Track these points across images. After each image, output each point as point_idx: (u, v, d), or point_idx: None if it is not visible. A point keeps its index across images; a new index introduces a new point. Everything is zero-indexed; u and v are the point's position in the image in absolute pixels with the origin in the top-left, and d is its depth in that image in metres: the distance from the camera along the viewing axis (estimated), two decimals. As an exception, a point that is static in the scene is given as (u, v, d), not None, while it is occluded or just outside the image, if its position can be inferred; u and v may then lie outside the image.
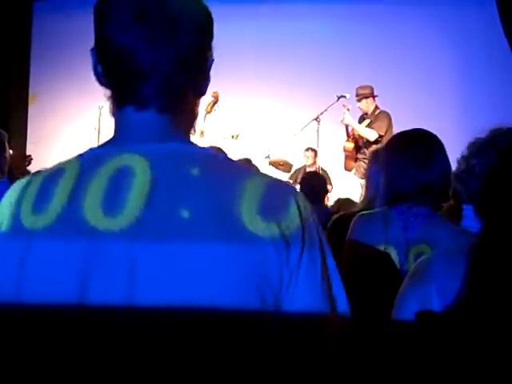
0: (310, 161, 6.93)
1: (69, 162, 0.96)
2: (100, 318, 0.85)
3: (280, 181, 0.94)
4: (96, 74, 0.97)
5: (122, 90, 0.95)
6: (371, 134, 5.96)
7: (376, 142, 5.87)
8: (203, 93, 1.00)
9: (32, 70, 8.25)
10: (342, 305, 0.92)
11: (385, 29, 7.16)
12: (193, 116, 1.01)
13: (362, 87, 6.14)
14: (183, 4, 0.95)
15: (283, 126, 7.36)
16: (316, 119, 6.17)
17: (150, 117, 0.94)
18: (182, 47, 0.93)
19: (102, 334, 0.85)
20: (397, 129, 5.84)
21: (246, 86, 7.41)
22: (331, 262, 0.93)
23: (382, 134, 5.90)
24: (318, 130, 6.20)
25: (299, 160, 7.16)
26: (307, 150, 6.95)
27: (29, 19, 8.20)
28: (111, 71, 0.95)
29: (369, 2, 7.28)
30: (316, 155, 6.74)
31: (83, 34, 7.35)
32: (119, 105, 0.96)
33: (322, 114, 6.16)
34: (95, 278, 0.85)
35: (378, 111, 6.16)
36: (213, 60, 0.99)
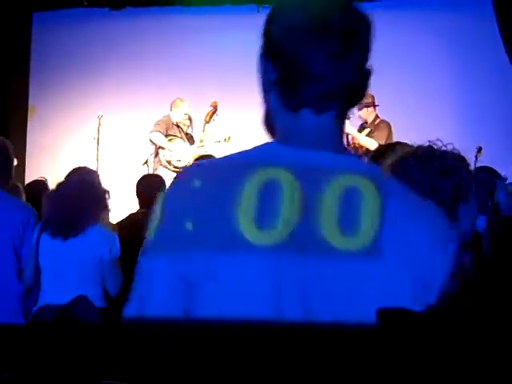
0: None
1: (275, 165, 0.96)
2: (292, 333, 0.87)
3: None
4: (264, 79, 1.01)
5: (299, 94, 0.98)
6: (371, 144, 5.97)
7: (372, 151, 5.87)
8: (360, 101, 1.06)
9: (31, 81, 8.25)
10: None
11: (382, 36, 7.15)
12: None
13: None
14: (355, 20, 1.00)
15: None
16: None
17: (326, 123, 0.99)
18: (361, 57, 1.00)
19: (297, 349, 0.87)
20: (396, 137, 5.85)
21: (244, 95, 7.42)
22: None
23: (381, 143, 5.91)
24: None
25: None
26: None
27: (28, 30, 8.21)
28: (287, 76, 0.98)
29: (366, 9, 7.28)
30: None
31: (83, 46, 7.33)
32: (292, 109, 0.99)
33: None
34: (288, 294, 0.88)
35: (378, 120, 6.17)
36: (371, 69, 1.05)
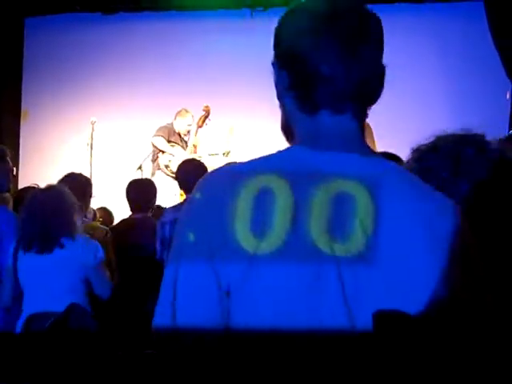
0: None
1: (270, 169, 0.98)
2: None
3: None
4: (278, 87, 1.02)
5: (313, 96, 0.99)
6: None
7: None
8: (377, 99, 1.05)
9: (24, 86, 8.23)
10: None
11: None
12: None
13: None
14: (366, 21, 1.00)
15: (276, 142, 7.36)
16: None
17: (344, 123, 1.00)
18: (372, 55, 1.00)
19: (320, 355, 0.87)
20: (395, 139, 5.86)
21: (238, 99, 7.42)
22: None
23: None
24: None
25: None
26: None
27: (21, 35, 8.20)
28: (300, 80, 0.99)
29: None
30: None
31: (75, 51, 7.32)
32: (309, 112, 1.00)
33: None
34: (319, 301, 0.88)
35: None
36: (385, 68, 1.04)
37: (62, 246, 3.09)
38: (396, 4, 7.25)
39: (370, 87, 1.01)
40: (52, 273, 3.10)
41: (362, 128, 1.02)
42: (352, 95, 0.98)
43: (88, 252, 3.15)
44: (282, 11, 1.01)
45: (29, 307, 3.11)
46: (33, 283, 3.13)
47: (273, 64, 1.03)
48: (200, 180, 1.00)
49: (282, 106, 1.05)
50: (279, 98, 1.04)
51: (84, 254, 3.14)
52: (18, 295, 3.17)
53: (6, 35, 7.82)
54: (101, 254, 3.20)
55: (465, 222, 0.95)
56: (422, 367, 0.87)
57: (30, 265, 3.12)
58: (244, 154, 6.93)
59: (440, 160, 1.40)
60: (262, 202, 0.92)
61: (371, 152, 1.02)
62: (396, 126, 6.41)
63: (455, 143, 1.43)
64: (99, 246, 3.21)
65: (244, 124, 7.31)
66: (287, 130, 1.06)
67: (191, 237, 0.93)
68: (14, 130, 8.14)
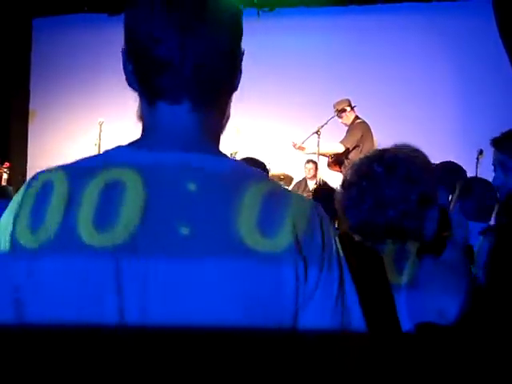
0: (311, 173, 6.94)
1: (56, 172, 0.94)
2: (110, 335, 0.84)
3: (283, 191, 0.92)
4: (126, 74, 0.95)
5: (151, 84, 0.91)
6: (338, 148, 6.15)
7: (347, 153, 6.07)
8: (235, 88, 0.97)
9: (32, 86, 8.27)
10: (357, 321, 0.89)
11: (383, 41, 7.18)
12: (225, 117, 0.98)
13: (337, 103, 6.25)
14: (212, 2, 0.91)
15: (283, 141, 7.38)
16: (316, 132, 6.19)
17: (182, 115, 0.92)
18: (213, 35, 0.90)
19: (113, 351, 0.84)
20: (397, 139, 5.84)
21: (244, 100, 7.41)
22: (348, 277, 0.90)
23: (349, 146, 6.09)
24: (318, 144, 6.21)
25: (300, 173, 7.16)
26: (308, 162, 6.96)
27: (29, 35, 8.23)
28: (139, 65, 0.92)
29: (366, 14, 7.30)
30: (317, 168, 6.75)
31: (83, 51, 7.36)
32: (148, 102, 0.93)
33: (322, 127, 6.18)
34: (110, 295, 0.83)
35: (355, 122, 6.24)
36: (243, 53, 0.96)
37: None
38: (404, 3, 7.24)
39: (215, 73, 0.91)
40: None
41: (206, 121, 0.93)
42: (190, 82, 0.89)
43: None
44: (288, 11, 0.99)
45: None
46: None
47: (122, 50, 0.94)
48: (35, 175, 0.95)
49: (136, 92, 0.97)
50: (129, 83, 0.96)
51: None
52: None
53: (15, 36, 7.85)
54: None
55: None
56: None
57: None
58: (251, 153, 6.93)
59: (352, 177, 1.42)
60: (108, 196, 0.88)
61: (210, 150, 0.93)
62: (404, 125, 6.39)
63: (368, 160, 1.44)
64: None
65: (250, 124, 7.31)
66: (139, 117, 0.99)
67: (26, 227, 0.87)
68: (22, 131, 8.18)
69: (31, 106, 8.28)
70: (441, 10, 7.17)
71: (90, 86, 7.76)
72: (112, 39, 7.37)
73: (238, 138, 6.85)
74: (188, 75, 0.89)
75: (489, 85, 6.83)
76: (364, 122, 6.21)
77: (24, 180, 7.55)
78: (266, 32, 7.51)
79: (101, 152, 1.00)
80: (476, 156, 5.69)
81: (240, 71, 0.96)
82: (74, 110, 7.82)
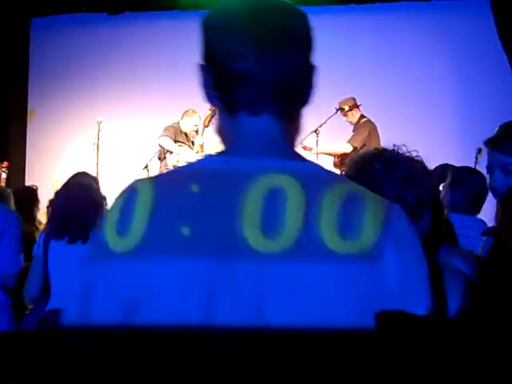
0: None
1: (184, 178, 0.95)
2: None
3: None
4: (205, 89, 0.99)
5: (232, 98, 0.95)
6: (346, 148, 6.14)
7: (355, 152, 6.06)
8: (309, 102, 1.00)
9: (30, 85, 8.26)
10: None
11: (382, 40, 7.17)
12: (298, 129, 1.01)
13: (342, 102, 6.23)
14: (289, 20, 0.97)
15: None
16: (315, 131, 6.19)
17: (263, 127, 0.95)
18: (295, 53, 0.96)
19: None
20: (397, 139, 5.85)
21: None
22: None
23: (356, 145, 6.08)
24: (317, 143, 6.21)
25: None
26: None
27: (27, 35, 8.22)
28: (220, 80, 0.96)
29: (367, 13, 7.30)
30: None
31: (81, 51, 7.34)
32: (231, 113, 0.97)
33: (320, 126, 6.17)
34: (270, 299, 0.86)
35: (361, 121, 6.24)
36: (316, 68, 1.00)
37: (86, 239, 3.06)
38: (404, 2, 7.24)
39: (293, 86, 0.96)
40: (72, 266, 3.06)
41: (288, 130, 0.98)
42: (271, 95, 0.94)
43: None
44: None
45: (51, 300, 3.09)
46: (59, 273, 3.09)
47: (198, 65, 1.00)
48: (187, 171, 0.97)
49: (214, 106, 1.01)
50: (208, 99, 1.01)
51: None
52: (45, 288, 3.12)
53: (13, 36, 7.84)
54: None
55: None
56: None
57: (59, 254, 3.08)
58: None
59: (353, 173, 1.43)
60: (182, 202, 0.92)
61: (296, 157, 0.97)
62: (403, 124, 6.39)
63: (368, 157, 1.46)
64: None
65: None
66: (219, 131, 1.02)
67: (186, 231, 0.89)
68: (21, 130, 8.17)
69: (30, 106, 8.27)
70: (440, 8, 7.17)
71: (89, 85, 7.75)
72: (110, 39, 7.40)
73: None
74: (269, 89, 0.94)
75: (488, 84, 6.83)
76: (370, 121, 6.21)
77: (22, 179, 7.56)
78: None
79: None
80: (475, 155, 5.69)
81: (313, 86, 1.00)
82: (72, 110, 7.81)
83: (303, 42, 0.98)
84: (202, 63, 0.99)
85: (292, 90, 0.96)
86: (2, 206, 3.34)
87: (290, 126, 0.98)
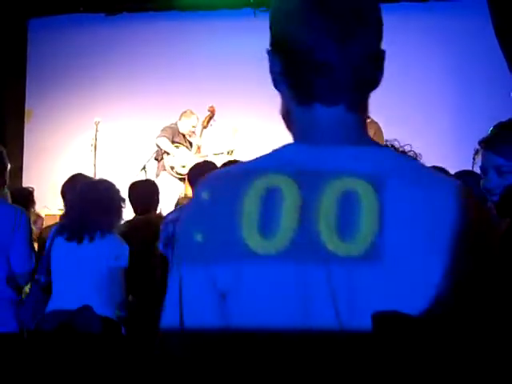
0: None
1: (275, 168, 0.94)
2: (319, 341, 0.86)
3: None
4: (273, 74, 0.96)
5: (308, 86, 0.92)
6: None
7: None
8: (377, 87, 0.98)
9: (28, 85, 8.25)
10: None
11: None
12: (367, 115, 1.00)
13: None
14: (361, 3, 0.93)
15: (282, 140, 7.38)
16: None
17: (340, 115, 0.93)
18: (369, 38, 0.92)
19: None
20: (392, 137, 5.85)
21: (241, 99, 7.42)
22: None
23: None
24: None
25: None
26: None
27: (24, 35, 8.21)
28: (293, 67, 0.93)
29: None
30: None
31: (79, 51, 7.32)
32: (303, 103, 0.94)
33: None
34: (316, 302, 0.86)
35: (366, 121, 6.22)
36: (385, 53, 0.97)
37: (100, 240, 3.05)
38: (403, 3, 7.24)
39: (368, 74, 0.93)
40: (82, 264, 3.05)
41: (362, 119, 0.97)
42: (348, 84, 0.91)
43: (116, 253, 3.08)
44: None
45: (52, 300, 3.08)
46: (62, 273, 3.09)
47: (267, 52, 0.97)
48: (204, 179, 0.96)
49: (280, 92, 0.98)
50: (275, 85, 0.97)
51: (112, 253, 3.08)
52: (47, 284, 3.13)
53: (10, 36, 7.83)
54: (126, 259, 3.10)
55: (474, 205, 0.91)
56: (424, 368, 0.86)
57: (65, 253, 3.08)
58: (248, 153, 6.93)
59: None
60: (270, 202, 0.89)
61: (372, 143, 0.97)
62: (400, 124, 6.39)
63: None
64: (127, 250, 3.13)
65: (247, 124, 7.31)
66: (286, 117, 0.99)
67: (199, 237, 0.90)
68: (18, 131, 8.16)
69: (27, 106, 8.26)
70: (439, 9, 7.18)
71: (86, 85, 7.74)
72: (108, 39, 7.39)
73: (235, 138, 6.84)
74: (346, 77, 0.91)
75: (486, 85, 6.84)
76: (374, 121, 6.20)
77: (20, 179, 7.53)
78: (262, 32, 7.50)
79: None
80: (473, 155, 5.69)
81: (383, 72, 0.97)
82: (70, 110, 7.80)
83: (376, 26, 0.95)
84: (273, 49, 0.96)
85: (366, 78, 0.93)
86: (12, 205, 3.34)
87: (363, 114, 0.97)
